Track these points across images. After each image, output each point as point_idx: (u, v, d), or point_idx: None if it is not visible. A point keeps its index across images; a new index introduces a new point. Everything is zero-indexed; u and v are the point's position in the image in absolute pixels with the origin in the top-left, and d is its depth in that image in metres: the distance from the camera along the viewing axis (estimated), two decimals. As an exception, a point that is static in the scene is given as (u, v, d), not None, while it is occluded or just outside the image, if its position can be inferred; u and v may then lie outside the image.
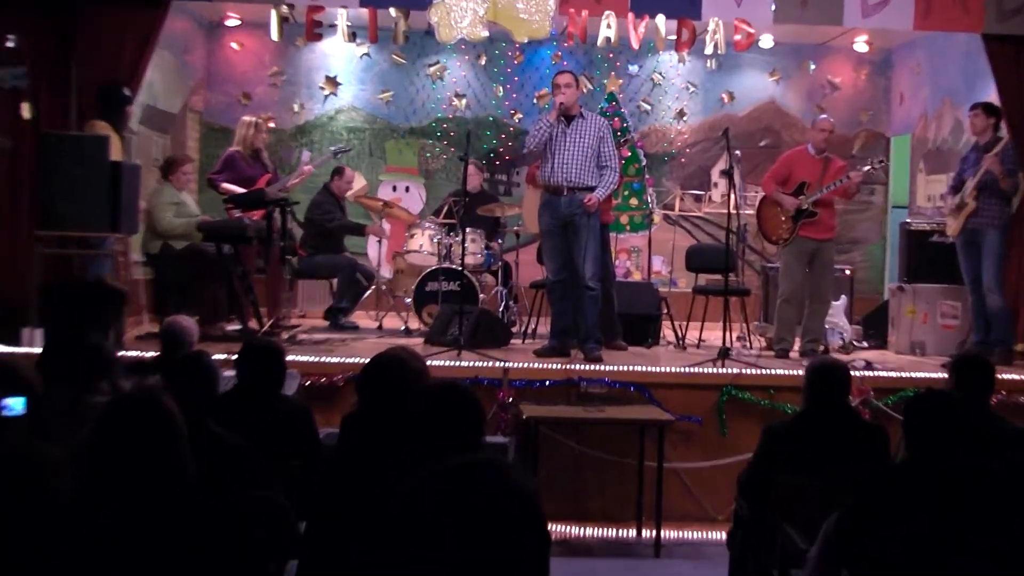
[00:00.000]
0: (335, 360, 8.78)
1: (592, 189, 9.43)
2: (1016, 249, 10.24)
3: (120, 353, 8.39)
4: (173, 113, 12.78)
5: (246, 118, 10.99)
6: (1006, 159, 10.01)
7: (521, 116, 14.54)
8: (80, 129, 9.46)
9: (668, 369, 9.09)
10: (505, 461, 3.57)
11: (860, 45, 14.45)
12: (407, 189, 14.57)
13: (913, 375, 9.16)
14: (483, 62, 14.54)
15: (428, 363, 5.64)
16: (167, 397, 3.73)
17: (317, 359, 8.79)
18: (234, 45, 14.27)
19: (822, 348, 10.28)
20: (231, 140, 11.16)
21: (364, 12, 10.42)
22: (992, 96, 10.71)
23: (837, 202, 10.58)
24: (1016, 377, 9.14)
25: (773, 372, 9.03)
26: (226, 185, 10.45)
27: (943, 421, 4.33)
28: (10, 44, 9.42)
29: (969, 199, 10.03)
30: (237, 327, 9.92)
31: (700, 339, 11.13)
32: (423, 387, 4.25)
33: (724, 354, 9.23)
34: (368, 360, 5.00)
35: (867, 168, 10.36)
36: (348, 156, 13.69)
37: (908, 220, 11.94)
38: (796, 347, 10.21)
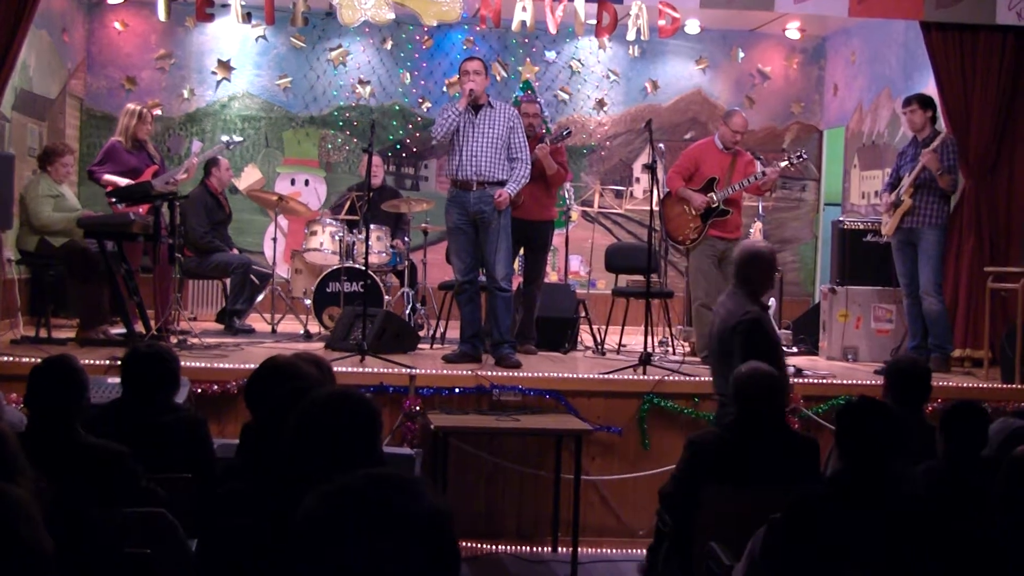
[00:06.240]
0: (228, 366, 8.74)
1: (503, 183, 9.48)
2: (952, 251, 10.38)
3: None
4: (50, 98, 12.61)
5: (129, 106, 10.76)
6: (945, 155, 10.11)
7: (429, 105, 14.48)
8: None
9: (586, 376, 9.16)
10: (418, 477, 3.56)
11: (792, 32, 14.58)
12: (306, 183, 14.49)
13: (845, 382, 9.32)
14: (389, 47, 14.49)
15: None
16: None
17: (209, 365, 8.75)
18: (117, 25, 14.08)
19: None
20: (114, 129, 11.03)
21: (260, -10, 10.37)
22: (930, 87, 10.86)
23: (747, 198, 10.66)
24: (953, 384, 9.31)
25: (697, 379, 9.09)
26: (108, 177, 10.29)
27: (876, 432, 4.40)
28: None
29: (905, 197, 10.13)
30: (121, 331, 9.84)
31: (620, 344, 11.18)
32: (311, 396, 4.23)
33: (646, 360, 9.29)
34: (256, 366, 5.01)
35: (784, 164, 10.45)
36: (242, 147, 13.68)
37: (841, 218, 12.05)
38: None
